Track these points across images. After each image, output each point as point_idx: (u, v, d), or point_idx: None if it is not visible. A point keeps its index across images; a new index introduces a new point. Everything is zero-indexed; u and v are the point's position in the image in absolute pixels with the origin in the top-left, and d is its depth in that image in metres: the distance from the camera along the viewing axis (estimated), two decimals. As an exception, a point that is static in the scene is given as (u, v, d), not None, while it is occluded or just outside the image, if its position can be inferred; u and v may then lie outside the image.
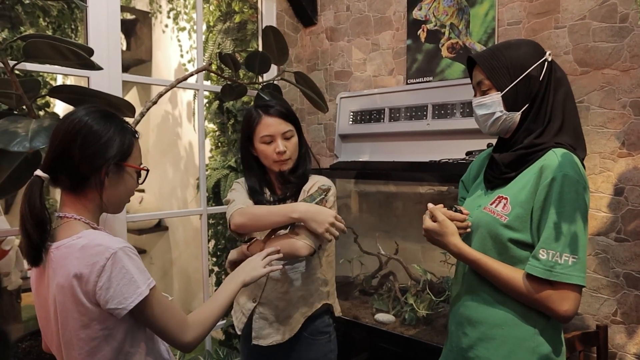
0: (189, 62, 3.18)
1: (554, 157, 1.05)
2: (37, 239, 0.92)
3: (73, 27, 3.57)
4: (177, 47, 3.23)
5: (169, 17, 3.29)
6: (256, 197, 1.47)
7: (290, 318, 1.43)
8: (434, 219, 1.16)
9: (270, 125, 1.40)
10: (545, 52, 1.11)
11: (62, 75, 3.83)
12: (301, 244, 1.32)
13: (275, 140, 1.40)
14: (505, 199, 1.11)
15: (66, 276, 0.89)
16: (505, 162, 1.14)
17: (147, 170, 1.05)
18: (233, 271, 1.19)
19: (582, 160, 1.09)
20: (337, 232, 1.31)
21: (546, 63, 1.10)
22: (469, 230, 1.16)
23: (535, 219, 1.06)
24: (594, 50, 1.70)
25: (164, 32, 3.42)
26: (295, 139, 1.44)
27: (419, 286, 1.95)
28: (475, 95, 1.18)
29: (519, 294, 1.06)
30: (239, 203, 1.42)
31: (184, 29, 3.17)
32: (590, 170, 1.71)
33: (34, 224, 0.92)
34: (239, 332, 1.47)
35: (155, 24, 3.57)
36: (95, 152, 0.94)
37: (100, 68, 1.27)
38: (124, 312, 0.89)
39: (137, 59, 3.53)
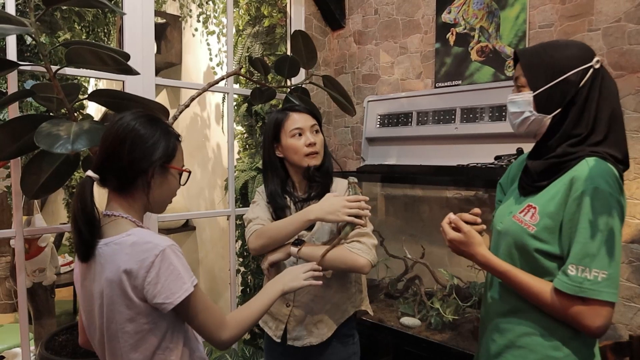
0: (217, 65, 3.23)
1: (585, 168, 1.00)
2: (88, 236, 0.97)
3: (105, 31, 3.69)
4: (206, 51, 3.29)
5: (198, 21, 3.36)
6: (277, 201, 1.46)
7: (323, 322, 1.44)
8: (457, 229, 1.14)
9: (299, 119, 1.44)
10: (593, 59, 1.04)
11: (94, 78, 3.94)
12: (364, 261, 1.32)
13: (304, 133, 1.42)
14: (534, 208, 1.08)
15: (115, 271, 0.93)
16: (537, 170, 1.10)
17: (190, 172, 1.10)
18: (273, 278, 1.20)
19: (622, 172, 1.04)
20: (357, 209, 1.27)
21: (591, 70, 1.03)
22: (481, 234, 1.15)
23: (565, 232, 1.02)
24: (629, 54, 1.66)
25: (193, 35, 3.50)
26: (321, 135, 1.47)
27: (445, 291, 1.94)
28: (512, 91, 1.15)
29: (549, 309, 1.04)
30: (256, 223, 1.43)
31: (213, 32, 3.23)
32: (625, 176, 1.66)
33: (85, 221, 0.96)
34: (277, 340, 1.47)
35: (185, 28, 3.65)
36: (143, 155, 0.99)
37: (137, 73, 1.31)
38: (170, 307, 0.93)
39: (167, 62, 3.62)
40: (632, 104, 1.65)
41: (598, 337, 1.02)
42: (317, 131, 1.45)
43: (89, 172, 0.99)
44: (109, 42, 3.63)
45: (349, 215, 1.27)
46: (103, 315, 0.97)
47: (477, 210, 1.17)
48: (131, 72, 1.30)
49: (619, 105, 1.07)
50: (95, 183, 1.01)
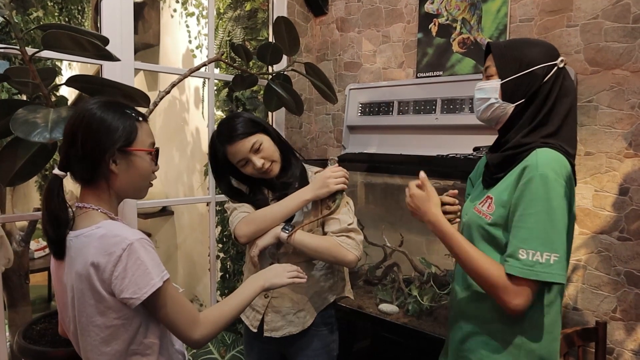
0: (197, 48, 3.17)
1: (534, 158, 1.05)
2: (54, 235, 0.96)
3: (79, 8, 3.56)
4: (185, 33, 3.22)
5: (177, 1, 3.28)
6: (258, 202, 1.45)
7: (305, 311, 1.45)
8: (421, 188, 1.21)
9: (237, 151, 1.38)
10: (559, 58, 1.11)
11: (68, 61, 3.82)
12: (353, 257, 1.36)
13: (249, 160, 1.38)
14: (491, 198, 1.13)
15: (84, 264, 0.92)
16: (494, 162, 1.16)
17: (157, 150, 1.06)
18: (253, 274, 1.18)
19: (572, 163, 1.09)
20: (340, 178, 1.39)
21: (556, 67, 1.10)
22: (458, 216, 1.25)
23: (511, 217, 1.07)
24: (605, 50, 1.70)
25: (172, 16, 3.41)
26: (266, 143, 1.40)
27: (423, 278, 1.99)
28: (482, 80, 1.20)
29: (482, 279, 1.07)
30: (241, 211, 1.41)
31: (192, 14, 3.16)
32: (596, 169, 1.73)
33: (49, 220, 0.95)
34: (254, 330, 1.48)
35: (163, 8, 3.55)
36: (97, 141, 0.96)
37: (117, 59, 1.28)
38: (137, 302, 0.91)
39: (145, 43, 3.53)
40: (606, 100, 1.70)
41: (517, 314, 1.05)
42: (258, 148, 1.37)
43: (55, 170, 0.97)
44: (83, 20, 3.51)
45: (337, 184, 1.38)
46: (75, 308, 0.96)
47: (454, 191, 1.26)
48: (111, 58, 1.27)
49: (575, 105, 1.13)
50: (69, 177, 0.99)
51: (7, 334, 2.22)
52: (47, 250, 3.65)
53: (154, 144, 1.06)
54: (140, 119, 1.04)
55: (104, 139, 0.96)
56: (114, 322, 0.94)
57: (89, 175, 0.98)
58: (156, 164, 1.07)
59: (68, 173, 0.99)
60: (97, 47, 1.22)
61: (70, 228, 0.99)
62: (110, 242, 0.91)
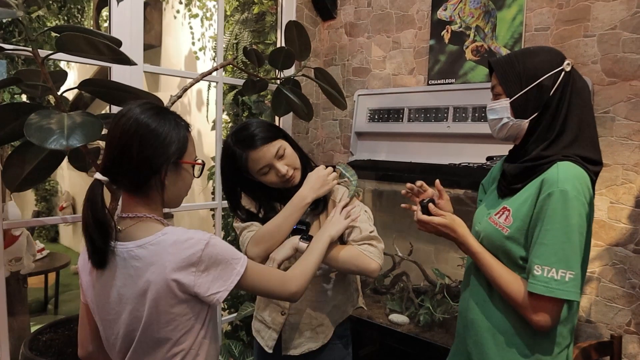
0: (200, 50, 3.13)
1: (555, 171, 1.03)
2: (101, 243, 0.91)
3: (79, 7, 3.51)
4: (187, 34, 3.18)
5: (180, 2, 3.24)
6: (268, 214, 1.39)
7: (324, 325, 1.41)
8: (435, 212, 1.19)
9: (261, 157, 1.30)
10: (564, 62, 1.07)
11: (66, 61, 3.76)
12: (376, 266, 1.30)
13: (273, 166, 1.31)
14: (509, 210, 1.11)
15: (160, 272, 0.89)
16: (512, 173, 1.14)
17: (203, 164, 1.05)
18: (319, 231, 1.25)
19: (596, 173, 1.08)
20: (334, 175, 1.36)
21: (563, 73, 1.07)
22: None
23: (531, 232, 1.06)
24: (622, 61, 1.69)
25: (175, 17, 3.37)
26: (289, 149, 1.34)
27: (435, 289, 1.96)
28: (491, 99, 1.18)
29: (507, 296, 1.08)
30: (249, 230, 1.36)
31: (196, 15, 3.12)
32: (612, 181, 1.71)
33: (96, 227, 0.91)
34: (269, 350, 1.41)
35: (165, 9, 3.51)
36: (154, 155, 0.93)
37: (134, 63, 1.24)
38: (225, 294, 0.94)
39: (146, 44, 3.46)
40: (624, 111, 1.69)
41: (545, 331, 1.06)
42: (282, 154, 1.31)
43: (98, 175, 0.93)
44: (83, 19, 3.46)
45: (334, 179, 1.35)
46: (140, 320, 0.93)
47: (419, 183, 1.29)
48: (128, 62, 1.23)
49: (590, 106, 1.11)
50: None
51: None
52: (44, 253, 3.58)
53: (196, 156, 1.04)
54: (190, 128, 1.03)
55: (161, 152, 0.93)
56: (186, 323, 0.95)
57: (140, 185, 0.95)
58: (198, 176, 1.05)
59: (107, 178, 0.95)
60: (114, 51, 1.18)
61: (124, 239, 0.95)
62: (186, 245, 0.91)
